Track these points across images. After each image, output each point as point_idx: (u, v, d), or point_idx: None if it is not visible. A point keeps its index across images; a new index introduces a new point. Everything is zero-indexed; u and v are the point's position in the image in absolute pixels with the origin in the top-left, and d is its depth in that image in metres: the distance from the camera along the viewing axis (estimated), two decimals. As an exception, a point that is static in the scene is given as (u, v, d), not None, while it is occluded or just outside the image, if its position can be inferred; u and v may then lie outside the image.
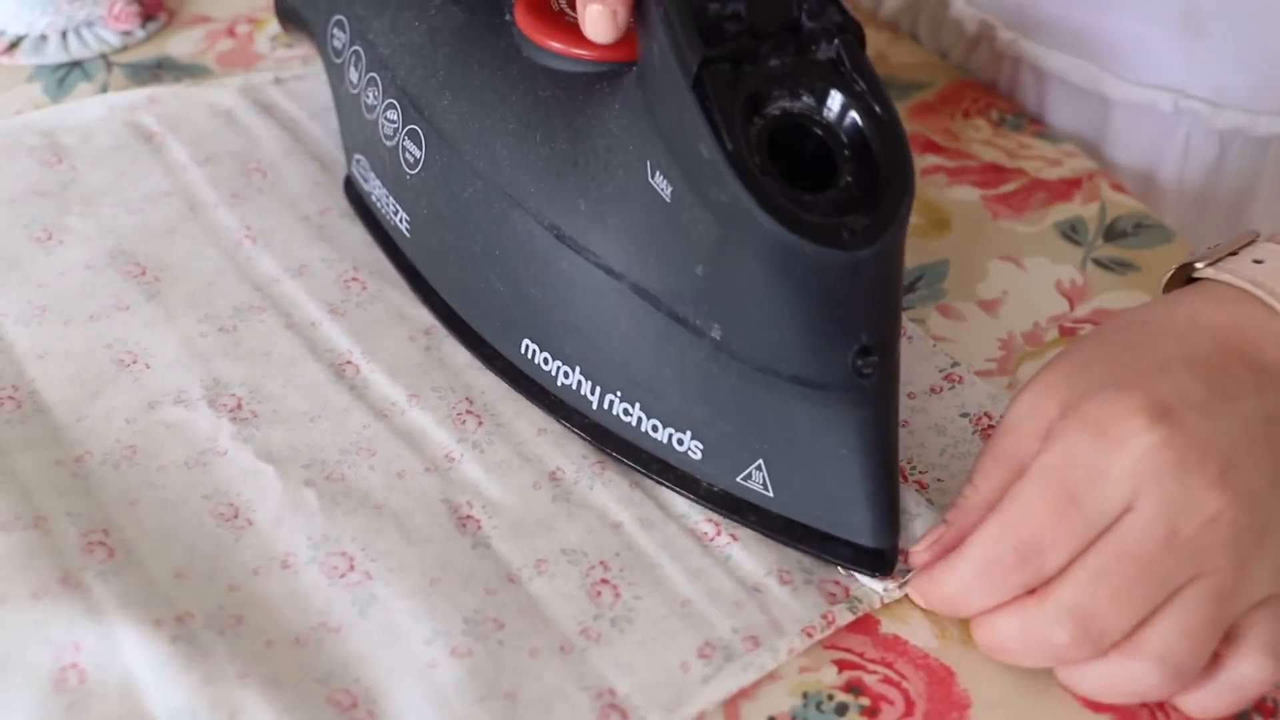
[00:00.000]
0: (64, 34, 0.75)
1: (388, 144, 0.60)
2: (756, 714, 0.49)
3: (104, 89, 0.73)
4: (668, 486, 0.54)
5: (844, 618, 0.51)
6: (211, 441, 0.56)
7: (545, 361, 0.56)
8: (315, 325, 0.61)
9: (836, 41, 0.49)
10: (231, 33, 0.78)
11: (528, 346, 0.56)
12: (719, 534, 0.54)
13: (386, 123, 0.60)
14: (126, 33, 0.76)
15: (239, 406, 0.57)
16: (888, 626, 0.52)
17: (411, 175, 0.59)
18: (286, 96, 0.72)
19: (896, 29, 0.82)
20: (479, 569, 0.52)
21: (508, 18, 0.57)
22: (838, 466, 0.50)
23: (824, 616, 0.51)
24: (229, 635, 0.49)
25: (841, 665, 0.50)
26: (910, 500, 0.55)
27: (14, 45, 0.75)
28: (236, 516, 0.53)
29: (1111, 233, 0.68)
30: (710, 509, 0.54)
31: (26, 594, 0.49)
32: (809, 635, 0.51)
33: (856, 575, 0.52)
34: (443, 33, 0.58)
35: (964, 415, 0.59)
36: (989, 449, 0.51)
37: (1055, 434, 0.48)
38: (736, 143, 0.46)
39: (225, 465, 0.55)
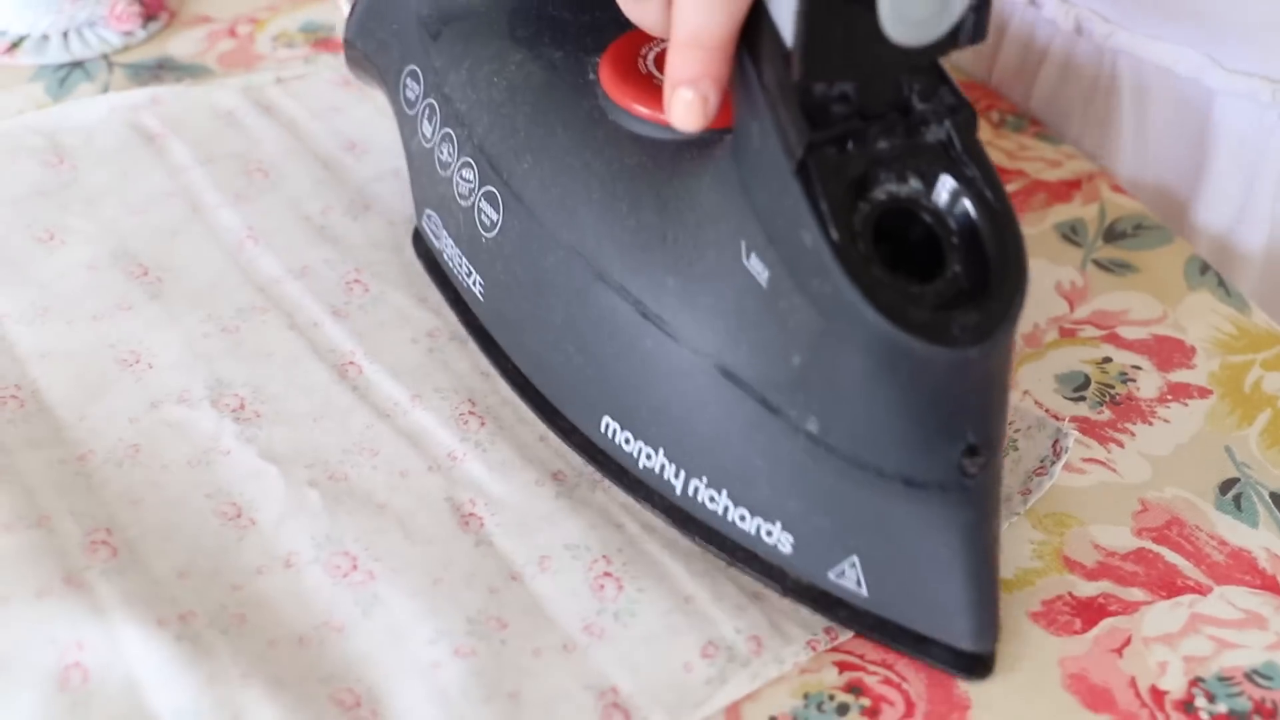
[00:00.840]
0: (66, 34, 0.76)
1: (462, 204, 0.58)
2: (758, 714, 0.49)
3: (105, 89, 0.73)
4: (753, 576, 0.52)
5: (845, 634, 0.51)
6: (214, 441, 0.56)
7: (627, 441, 0.53)
8: (318, 326, 0.61)
9: (947, 123, 0.46)
10: (233, 33, 0.78)
11: (608, 425, 0.54)
12: (720, 535, 0.54)
13: (462, 181, 0.57)
14: (128, 33, 0.76)
15: (242, 406, 0.57)
16: (889, 627, 0.52)
17: (487, 238, 0.57)
18: (288, 97, 0.73)
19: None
20: (482, 568, 0.52)
21: (592, 78, 0.55)
22: (937, 568, 0.48)
23: (827, 631, 0.51)
24: (232, 635, 0.49)
25: (842, 666, 0.51)
26: None
27: (16, 45, 0.75)
28: (239, 516, 0.53)
29: (1111, 234, 0.68)
30: (798, 603, 0.51)
31: (30, 593, 0.49)
32: (813, 648, 0.51)
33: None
34: (523, 91, 0.56)
35: (964, 416, 0.59)
36: None
37: None
38: (842, 232, 0.44)
39: (228, 465, 0.55)
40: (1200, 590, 0.53)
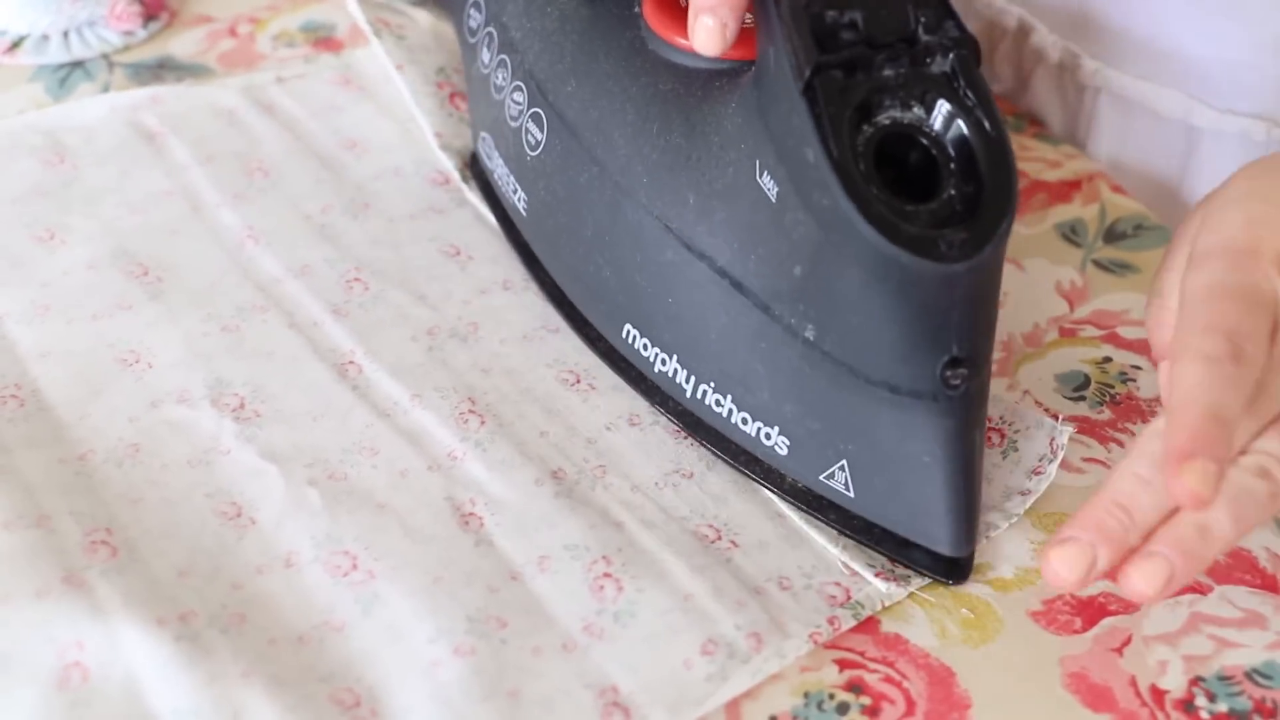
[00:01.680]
0: (66, 34, 0.75)
1: (512, 124, 0.62)
2: (758, 713, 0.49)
3: (106, 89, 0.73)
4: (754, 479, 0.55)
5: (847, 623, 0.51)
6: (214, 440, 0.56)
7: (645, 347, 0.57)
8: (318, 325, 0.61)
9: (951, 56, 0.49)
10: (233, 32, 0.78)
11: (629, 331, 0.58)
12: (720, 538, 0.54)
13: (513, 104, 0.62)
14: (128, 32, 0.76)
15: (242, 406, 0.57)
16: (889, 626, 0.52)
17: (532, 156, 0.61)
18: (288, 96, 0.73)
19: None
20: (482, 567, 0.52)
21: (636, 10, 0.58)
22: (920, 474, 0.51)
23: (829, 621, 0.51)
24: (232, 634, 0.49)
25: (843, 665, 0.51)
26: None
27: (16, 45, 0.75)
28: (239, 515, 0.53)
29: (1111, 234, 0.68)
30: (793, 504, 0.55)
31: (30, 593, 0.49)
32: (814, 640, 0.51)
33: (867, 579, 0.53)
34: (573, 20, 0.60)
35: (964, 416, 0.59)
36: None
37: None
38: (842, 149, 0.47)
39: (228, 464, 0.55)
40: (1200, 589, 0.53)
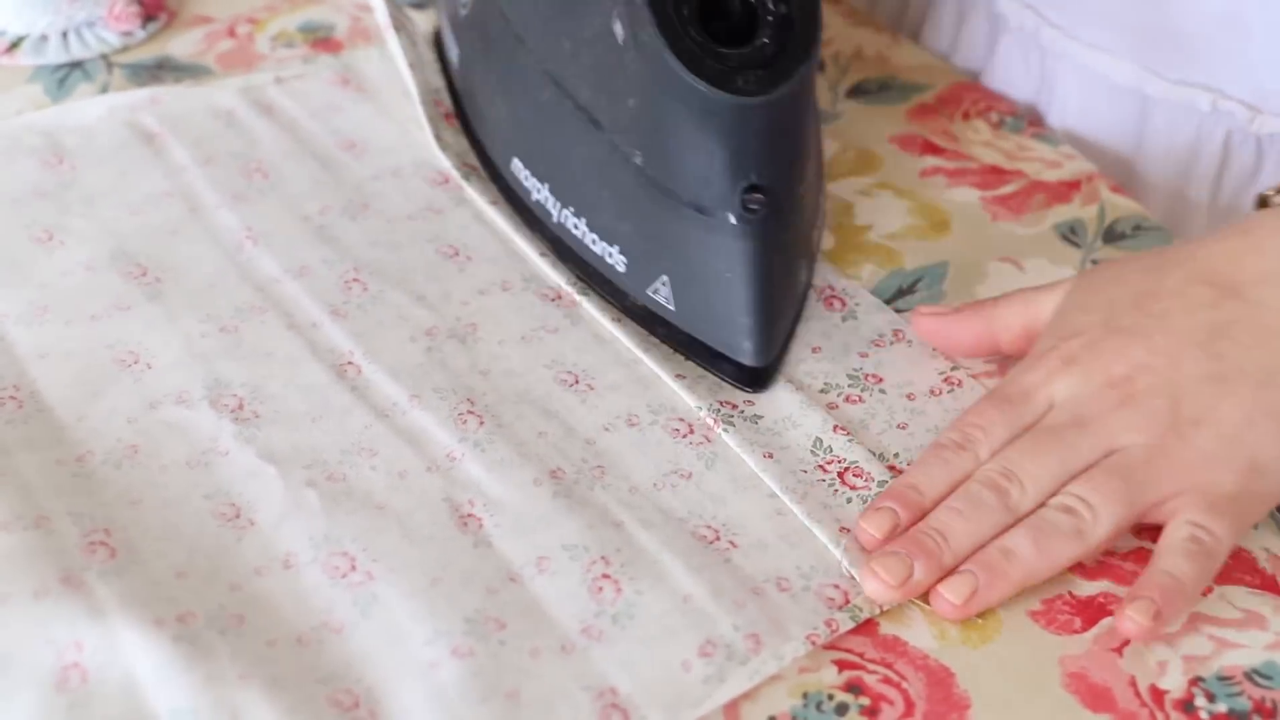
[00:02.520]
0: (65, 34, 0.75)
1: None
2: (757, 714, 0.49)
3: (105, 89, 0.73)
4: (603, 296, 0.62)
5: (846, 625, 0.51)
6: (213, 442, 0.56)
7: (526, 178, 0.64)
8: (316, 326, 0.61)
9: None
10: (232, 33, 0.78)
11: (515, 164, 0.65)
12: (718, 538, 0.54)
13: None
14: (127, 33, 0.76)
15: (240, 407, 0.57)
16: (887, 627, 0.52)
17: (463, 15, 0.69)
18: (287, 97, 0.73)
19: (896, 32, 0.82)
20: (480, 568, 0.52)
21: None
22: (725, 289, 0.58)
23: (827, 623, 0.51)
24: (230, 635, 0.49)
25: (841, 665, 0.51)
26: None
27: (15, 45, 0.75)
28: (238, 516, 0.53)
29: (1111, 235, 0.68)
30: (631, 323, 0.61)
31: (28, 594, 0.49)
32: (813, 642, 0.51)
33: (853, 574, 0.53)
34: None
35: (964, 416, 0.59)
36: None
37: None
38: None
39: (227, 465, 0.55)
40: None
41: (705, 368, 0.60)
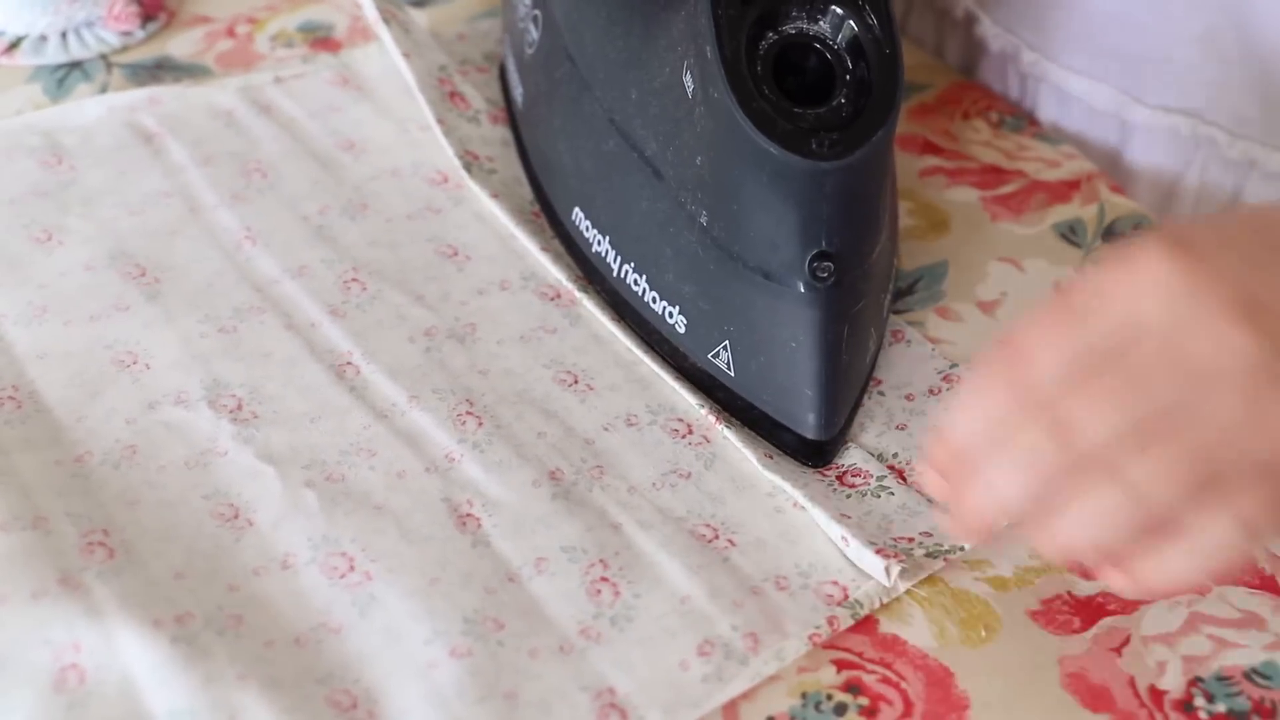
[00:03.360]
0: (64, 34, 0.75)
1: (520, 25, 0.68)
2: (755, 714, 0.49)
3: (104, 89, 0.73)
4: (660, 356, 0.60)
5: (845, 622, 0.51)
6: (211, 442, 0.56)
7: (587, 229, 0.62)
8: (315, 326, 0.61)
9: None
10: (231, 33, 0.78)
11: (576, 214, 0.63)
12: (717, 537, 0.54)
13: (522, 5, 0.67)
14: (126, 33, 0.76)
15: (239, 407, 0.57)
16: (886, 626, 0.52)
17: (529, 54, 0.67)
18: (286, 96, 0.73)
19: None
20: (479, 568, 0.52)
21: None
22: (788, 358, 0.55)
23: (828, 620, 0.51)
24: (229, 636, 0.49)
25: (840, 665, 0.51)
26: (911, 499, 0.55)
27: (14, 46, 0.75)
28: (237, 517, 0.53)
29: (1110, 234, 0.68)
30: (687, 385, 0.59)
31: (26, 594, 0.49)
32: (812, 641, 0.51)
33: (863, 556, 0.53)
34: None
35: (963, 416, 0.59)
36: None
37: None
38: (735, 48, 0.52)
39: (225, 466, 0.55)
40: (1199, 590, 0.53)
41: (764, 438, 0.57)
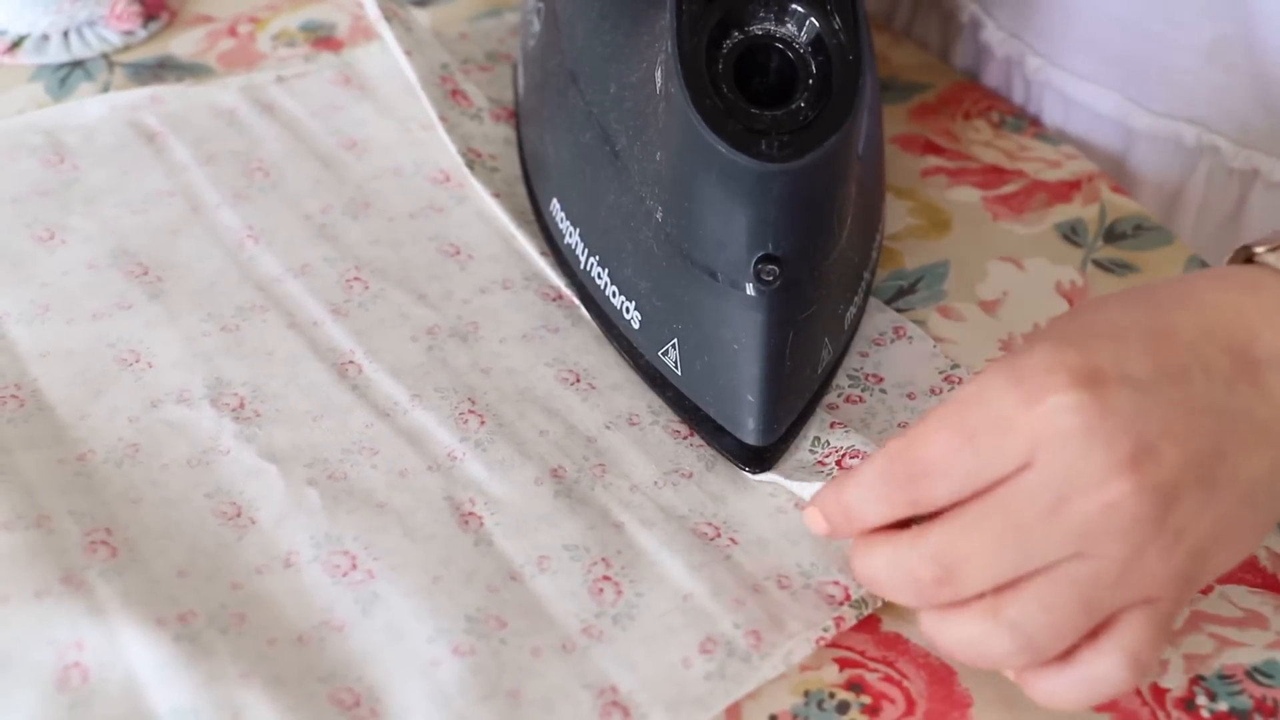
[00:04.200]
0: (66, 33, 0.75)
1: (526, 18, 0.68)
2: (758, 712, 0.49)
3: (106, 89, 0.73)
4: (618, 350, 0.60)
5: (849, 621, 0.51)
6: (214, 440, 0.56)
7: (561, 220, 0.62)
8: (317, 325, 0.61)
9: None
10: (233, 32, 0.78)
11: (554, 205, 0.63)
12: (719, 535, 0.54)
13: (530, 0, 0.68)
14: (128, 32, 0.76)
15: (241, 406, 0.57)
16: (889, 625, 0.52)
17: (530, 46, 0.67)
18: (288, 96, 0.73)
19: (896, 32, 0.82)
20: (481, 567, 0.52)
21: None
22: (731, 361, 0.55)
23: (836, 621, 0.51)
24: (231, 634, 0.49)
25: (843, 664, 0.51)
26: None
27: (16, 45, 0.75)
28: (239, 515, 0.53)
29: (1111, 234, 0.68)
30: (643, 380, 0.59)
31: (29, 593, 0.49)
32: (819, 642, 0.51)
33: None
34: None
35: (965, 415, 0.59)
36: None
37: (980, 373, 0.46)
38: (695, 45, 0.52)
39: (228, 464, 0.55)
40: (1201, 589, 0.53)
41: (706, 440, 0.57)
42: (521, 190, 0.68)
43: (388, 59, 0.74)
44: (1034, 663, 0.46)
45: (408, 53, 0.70)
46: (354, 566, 0.52)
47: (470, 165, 0.67)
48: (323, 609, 0.51)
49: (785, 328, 0.54)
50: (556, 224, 0.63)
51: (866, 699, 0.49)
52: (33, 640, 0.48)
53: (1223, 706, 0.50)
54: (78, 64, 0.75)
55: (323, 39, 0.78)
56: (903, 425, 0.59)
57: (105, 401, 0.57)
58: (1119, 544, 0.44)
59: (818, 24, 0.53)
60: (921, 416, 0.47)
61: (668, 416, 0.58)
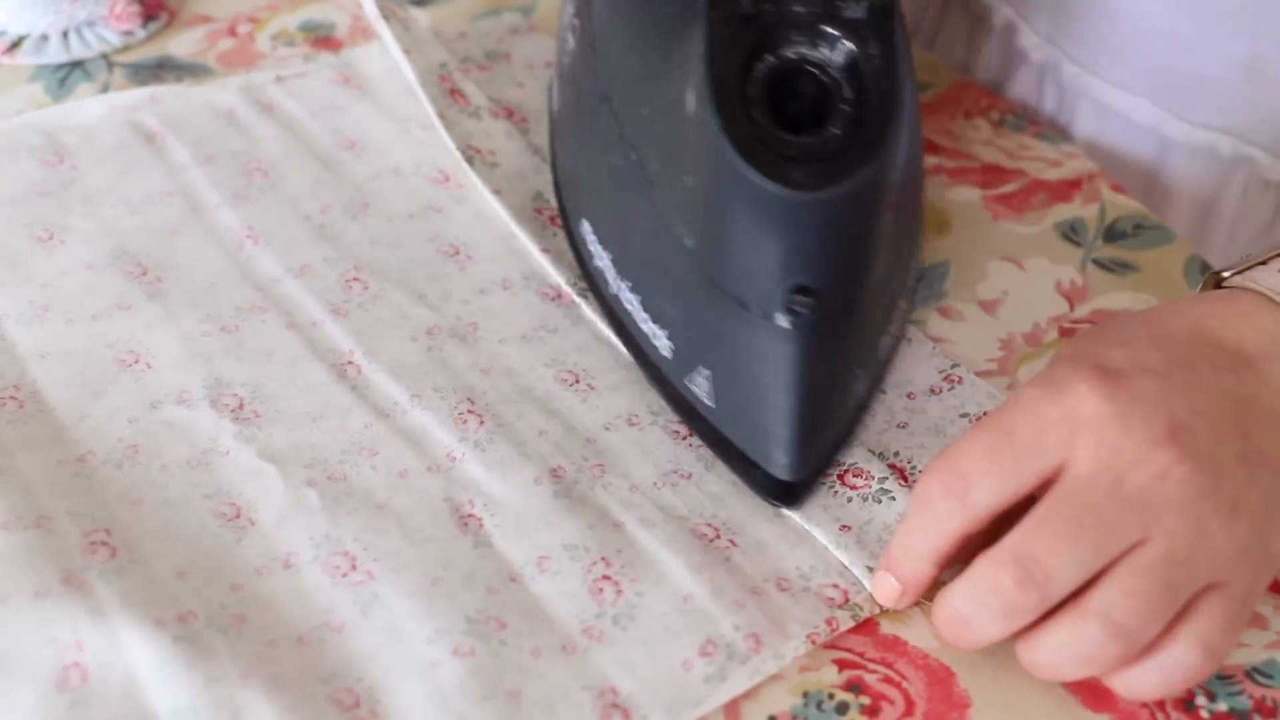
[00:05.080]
0: (65, 34, 0.75)
1: (562, 34, 0.66)
2: (757, 713, 0.49)
3: (105, 89, 0.73)
4: (646, 376, 0.59)
5: (846, 624, 0.51)
6: (213, 441, 0.56)
7: (592, 242, 0.61)
8: (317, 325, 0.61)
9: (865, 2, 0.52)
10: (232, 32, 0.78)
11: (585, 226, 0.61)
12: (718, 537, 0.54)
13: (566, 14, 0.65)
14: (128, 32, 0.76)
15: (241, 406, 0.57)
16: (888, 627, 0.52)
17: (565, 63, 0.65)
18: (287, 96, 0.73)
19: (915, 35, 0.82)
20: (481, 568, 0.52)
21: None
22: (763, 394, 0.53)
23: (828, 622, 0.51)
24: (231, 635, 0.49)
25: (842, 665, 0.51)
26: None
27: (15, 45, 0.75)
28: (239, 516, 0.53)
29: (1111, 233, 0.68)
30: (672, 408, 0.58)
31: (29, 593, 0.49)
32: (813, 641, 0.51)
33: (861, 579, 0.53)
34: None
35: (963, 416, 0.59)
36: None
37: (1012, 393, 0.48)
38: (728, 68, 0.50)
39: (227, 465, 0.55)
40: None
41: (736, 473, 0.56)
42: (523, 186, 0.68)
43: (387, 59, 0.74)
44: (1128, 653, 0.46)
45: (406, 51, 0.70)
46: (354, 567, 0.52)
47: (469, 161, 0.67)
48: (322, 610, 0.51)
49: (819, 361, 0.52)
50: (586, 245, 0.61)
51: (865, 700, 0.49)
52: (32, 640, 0.48)
53: (1222, 707, 0.50)
54: (77, 64, 0.75)
55: (322, 39, 0.78)
56: (902, 425, 0.59)
57: (105, 402, 0.57)
58: (1181, 518, 0.45)
59: (853, 47, 0.51)
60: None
61: (667, 416, 0.58)
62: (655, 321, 0.57)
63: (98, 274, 0.62)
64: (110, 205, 0.66)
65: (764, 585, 0.52)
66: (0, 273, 0.62)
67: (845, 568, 0.53)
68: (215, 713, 0.47)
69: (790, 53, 0.52)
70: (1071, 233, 0.68)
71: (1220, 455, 0.46)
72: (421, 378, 0.59)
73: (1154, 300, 0.65)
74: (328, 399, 0.58)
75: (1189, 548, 0.45)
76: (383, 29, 0.70)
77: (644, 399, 0.59)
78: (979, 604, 0.47)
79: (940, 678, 0.50)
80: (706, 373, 0.55)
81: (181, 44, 0.77)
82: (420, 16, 0.76)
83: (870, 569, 0.53)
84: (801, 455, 0.54)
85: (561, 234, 0.65)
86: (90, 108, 0.71)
